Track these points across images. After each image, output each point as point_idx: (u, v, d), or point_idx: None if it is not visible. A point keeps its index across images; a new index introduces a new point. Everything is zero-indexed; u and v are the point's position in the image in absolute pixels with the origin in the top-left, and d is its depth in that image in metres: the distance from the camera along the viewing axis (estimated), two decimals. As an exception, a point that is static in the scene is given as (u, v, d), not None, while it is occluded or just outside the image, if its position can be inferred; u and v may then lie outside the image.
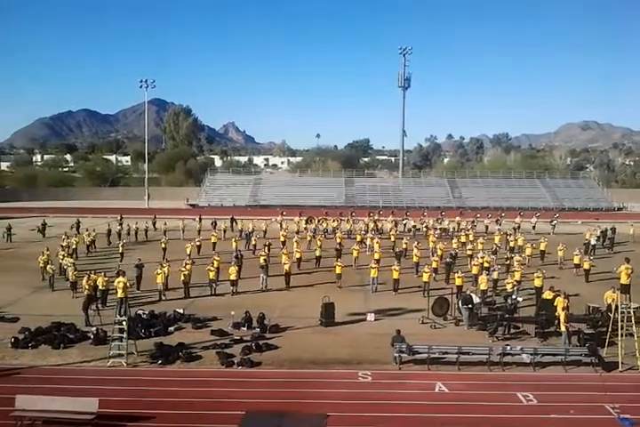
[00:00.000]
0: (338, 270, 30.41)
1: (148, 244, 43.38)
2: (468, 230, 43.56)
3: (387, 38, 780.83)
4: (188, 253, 34.41)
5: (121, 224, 46.89)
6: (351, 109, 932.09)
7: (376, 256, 31.97)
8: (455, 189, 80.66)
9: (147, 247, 41.69)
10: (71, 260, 30.46)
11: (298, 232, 44.18)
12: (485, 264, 30.65)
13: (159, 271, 27.57)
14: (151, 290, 28.14)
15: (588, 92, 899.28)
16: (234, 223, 49.42)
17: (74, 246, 36.85)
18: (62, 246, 34.31)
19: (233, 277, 28.56)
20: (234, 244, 37.57)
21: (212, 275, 28.73)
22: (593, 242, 39.45)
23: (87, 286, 24.73)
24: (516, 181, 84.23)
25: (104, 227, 44.79)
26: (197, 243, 38.33)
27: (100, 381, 17.66)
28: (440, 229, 45.90)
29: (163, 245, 37.56)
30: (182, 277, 27.94)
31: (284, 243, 38.35)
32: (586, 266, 32.11)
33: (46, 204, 72.80)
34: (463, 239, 40.49)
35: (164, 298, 27.35)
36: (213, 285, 28.74)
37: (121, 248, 36.50)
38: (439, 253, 34.02)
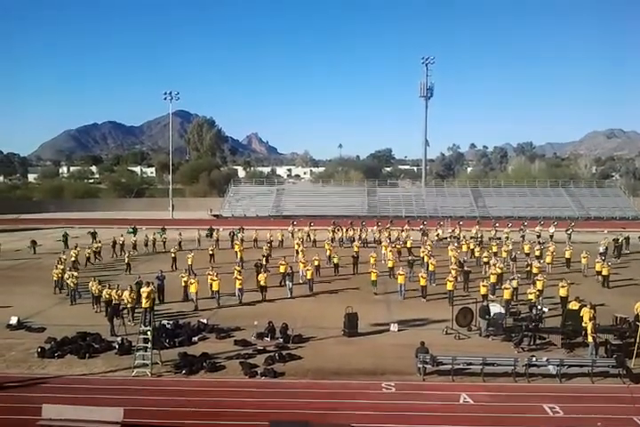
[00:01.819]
0: (373, 277, 30.97)
1: (163, 254, 42.69)
2: (498, 239, 44.04)
3: (409, 48, 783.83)
4: (190, 263, 34.80)
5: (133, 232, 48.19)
6: (373, 119, 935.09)
7: (390, 264, 32.57)
8: (479, 199, 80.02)
9: (155, 258, 41.81)
10: (75, 273, 30.06)
11: (315, 241, 46.05)
12: (498, 270, 30.64)
13: (193, 281, 27.86)
14: (173, 301, 28.48)
15: (613, 100, 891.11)
16: (213, 233, 49.96)
17: (72, 259, 36.10)
18: (61, 259, 33.73)
19: (262, 283, 29.32)
20: (239, 253, 38.29)
21: (238, 284, 28.96)
22: (601, 250, 39.34)
23: (108, 297, 25.18)
24: (541, 191, 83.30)
25: (119, 238, 44.78)
26: (210, 252, 39.45)
27: (124, 390, 17.80)
28: (471, 238, 45.91)
29: (172, 255, 37.83)
30: (215, 287, 28.34)
31: (297, 252, 38.44)
32: (604, 272, 32.36)
33: (72, 215, 73.71)
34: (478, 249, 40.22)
35: (196, 307, 27.51)
36: (239, 294, 28.92)
37: (127, 259, 36.81)
38: (453, 260, 34.56)
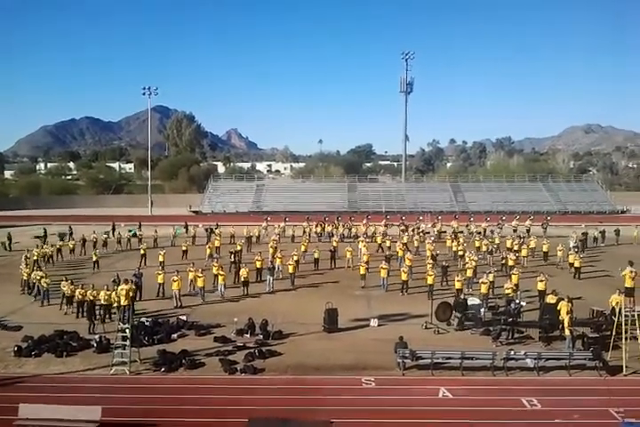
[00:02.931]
0: (362, 271, 31.28)
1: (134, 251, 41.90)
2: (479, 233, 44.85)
3: (389, 43, 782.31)
4: (161, 260, 34.41)
5: (107, 233, 47.43)
6: (353, 115, 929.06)
7: (364, 258, 32.88)
8: (458, 194, 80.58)
9: (131, 255, 41.06)
10: (40, 273, 29.03)
11: (293, 236, 46.05)
12: (473, 263, 31.05)
13: (175, 278, 27.49)
14: (151, 298, 28.33)
15: (591, 96, 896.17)
16: (187, 229, 50.08)
17: (35, 258, 34.91)
18: (27, 258, 33.09)
19: (244, 278, 29.60)
20: (209, 250, 38.09)
21: (221, 279, 28.88)
22: (572, 244, 39.95)
23: (81, 297, 24.85)
24: (520, 185, 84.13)
25: (97, 235, 44.38)
26: (184, 248, 39.18)
27: (103, 389, 17.64)
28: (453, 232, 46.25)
29: (142, 252, 37.55)
30: (200, 283, 28.21)
31: (275, 248, 38.36)
32: (577, 264, 33.42)
33: (50, 212, 72.93)
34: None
35: (179, 304, 27.26)
36: (222, 289, 28.87)
37: (94, 257, 36.34)
38: (428, 253, 35.31)
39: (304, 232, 46.60)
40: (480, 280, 27.68)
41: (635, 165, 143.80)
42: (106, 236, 45.25)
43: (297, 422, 15.19)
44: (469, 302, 24.46)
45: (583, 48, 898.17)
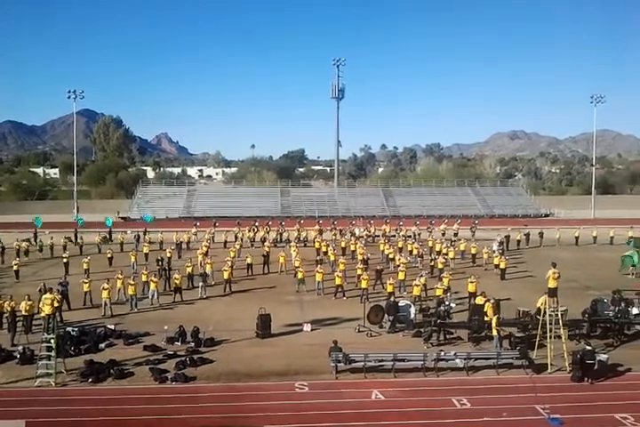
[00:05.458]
0: (300, 276, 31.21)
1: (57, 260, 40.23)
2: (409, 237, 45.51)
3: (320, 50, 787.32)
4: (86, 267, 33.25)
5: (29, 240, 45.86)
6: (286, 120, 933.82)
7: (296, 264, 33.17)
8: (389, 198, 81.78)
9: (57, 263, 39.00)
10: None
11: (225, 242, 45.58)
12: (403, 268, 31.39)
13: (106, 286, 26.57)
14: (78, 308, 27.41)
15: (516, 104, 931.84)
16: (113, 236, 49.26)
17: None
18: None
19: (177, 284, 29.08)
20: (132, 258, 36.74)
21: (153, 286, 28.34)
22: (495, 247, 41.07)
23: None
24: (449, 190, 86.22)
25: (18, 242, 42.51)
26: (109, 255, 38.42)
27: (26, 402, 16.94)
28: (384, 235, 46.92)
29: (65, 260, 36.20)
30: (131, 291, 27.43)
31: (206, 254, 37.82)
32: (502, 265, 34.74)
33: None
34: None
35: (109, 313, 26.41)
36: (157, 296, 28.32)
37: (15, 266, 34.83)
38: (360, 257, 35.78)
39: (236, 237, 46.16)
40: (414, 283, 28.04)
41: (557, 170, 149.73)
42: (27, 244, 43.49)
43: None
44: (400, 305, 24.76)
45: (507, 58, 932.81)
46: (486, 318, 22.13)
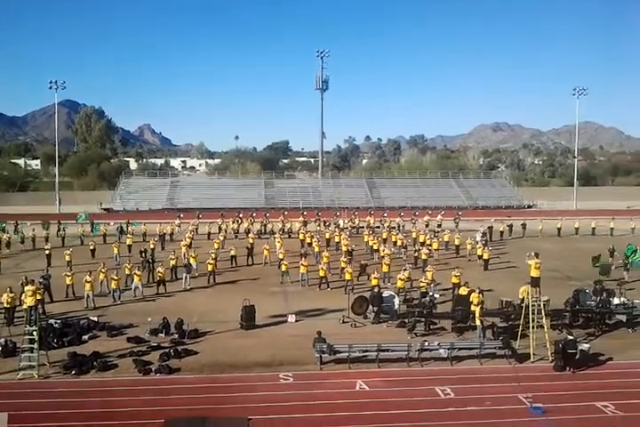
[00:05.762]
0: (284, 268, 31.20)
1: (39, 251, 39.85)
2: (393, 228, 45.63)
3: (305, 41, 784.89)
4: (68, 259, 33.04)
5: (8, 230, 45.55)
6: (270, 111, 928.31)
7: (280, 256, 33.16)
8: (374, 190, 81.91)
9: (39, 255, 38.78)
10: None
11: (209, 233, 45.56)
12: (387, 260, 31.45)
13: (89, 279, 26.29)
14: (60, 300, 27.23)
15: (499, 96, 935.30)
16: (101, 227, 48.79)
17: None
18: None
19: (160, 276, 28.81)
20: (115, 250, 36.56)
21: (137, 279, 28.09)
22: (478, 238, 41.41)
23: None
24: (432, 181, 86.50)
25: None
26: (91, 247, 38.19)
27: (9, 395, 16.79)
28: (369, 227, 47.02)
29: (47, 252, 35.94)
30: (114, 285, 27.17)
31: (190, 245, 37.78)
32: (485, 256, 35.04)
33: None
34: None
35: (92, 306, 26.13)
36: (140, 289, 28.10)
37: None
38: (344, 249, 36.04)
39: (219, 229, 46.02)
40: (398, 277, 28.05)
41: (540, 162, 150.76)
42: (8, 235, 43.05)
43: (214, 420, 14.96)
44: (384, 296, 24.84)
45: (491, 50, 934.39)
46: (472, 308, 22.23)
